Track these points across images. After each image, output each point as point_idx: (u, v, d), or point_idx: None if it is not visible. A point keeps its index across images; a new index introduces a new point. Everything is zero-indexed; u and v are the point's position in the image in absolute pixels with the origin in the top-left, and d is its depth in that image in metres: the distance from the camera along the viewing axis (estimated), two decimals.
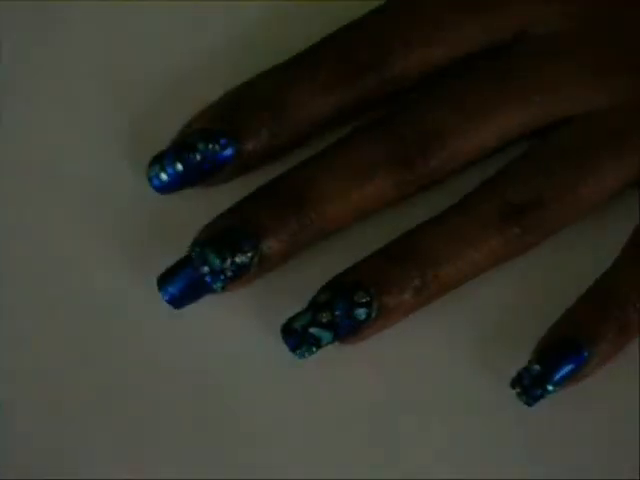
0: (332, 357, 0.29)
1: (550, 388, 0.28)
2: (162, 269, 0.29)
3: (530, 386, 0.28)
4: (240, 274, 0.28)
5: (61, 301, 0.30)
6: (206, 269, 0.28)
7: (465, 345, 0.30)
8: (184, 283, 0.28)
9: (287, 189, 0.29)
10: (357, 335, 0.28)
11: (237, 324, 0.30)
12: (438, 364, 0.30)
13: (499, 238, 0.29)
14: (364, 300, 0.28)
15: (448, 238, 0.29)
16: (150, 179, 0.28)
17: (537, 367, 0.28)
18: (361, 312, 0.28)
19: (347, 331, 0.28)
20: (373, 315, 0.28)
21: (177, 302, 0.28)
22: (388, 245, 0.29)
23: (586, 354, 0.28)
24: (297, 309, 0.29)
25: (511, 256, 0.29)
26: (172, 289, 0.28)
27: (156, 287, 0.28)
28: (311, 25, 0.30)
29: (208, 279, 0.28)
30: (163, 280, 0.28)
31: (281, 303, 0.29)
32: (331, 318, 0.28)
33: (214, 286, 0.28)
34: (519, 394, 0.29)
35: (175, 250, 0.29)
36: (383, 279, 0.28)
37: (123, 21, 0.31)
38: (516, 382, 0.29)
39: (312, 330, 0.28)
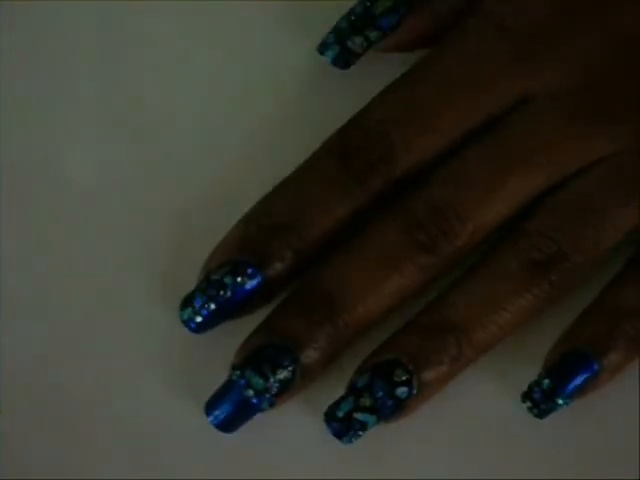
0: None
1: (560, 402, 0.29)
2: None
3: (541, 400, 0.29)
4: (285, 388, 0.28)
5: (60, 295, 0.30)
6: (251, 392, 0.28)
7: None
8: (231, 407, 0.28)
9: (315, 295, 0.28)
10: (401, 413, 0.28)
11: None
12: None
13: (528, 296, 0.29)
14: (404, 378, 0.28)
15: (478, 304, 0.29)
16: (185, 322, 0.28)
17: (547, 381, 0.29)
18: (403, 391, 0.28)
19: (390, 411, 0.28)
20: (414, 392, 0.28)
21: (227, 426, 0.28)
22: (419, 316, 0.29)
23: (596, 367, 0.28)
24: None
25: (541, 310, 0.29)
26: (220, 414, 0.28)
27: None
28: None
29: (255, 401, 0.28)
30: (210, 407, 0.28)
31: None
32: (373, 401, 0.28)
33: (262, 406, 0.28)
34: (530, 408, 0.29)
35: None
36: (420, 354, 0.28)
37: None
38: (527, 396, 0.29)
39: (356, 415, 0.28)
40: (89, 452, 0.30)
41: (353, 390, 0.28)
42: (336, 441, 0.28)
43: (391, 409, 0.28)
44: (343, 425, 0.28)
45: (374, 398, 0.28)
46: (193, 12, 0.32)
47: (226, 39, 0.32)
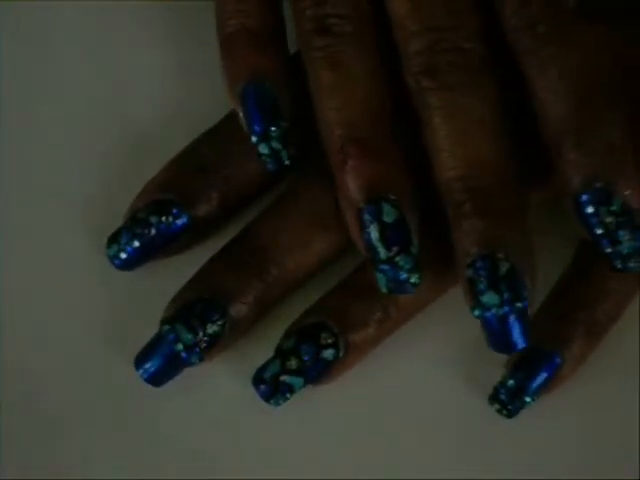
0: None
1: (528, 400, 0.29)
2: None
3: (508, 401, 0.29)
4: (214, 343, 0.28)
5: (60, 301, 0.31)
6: (180, 346, 0.28)
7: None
8: (161, 361, 0.28)
9: (246, 250, 0.29)
10: (328, 376, 0.29)
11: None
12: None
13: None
14: (330, 341, 0.28)
15: None
16: (111, 259, 0.29)
17: (512, 381, 0.29)
18: (328, 353, 0.28)
19: (317, 374, 0.29)
20: (341, 354, 0.28)
21: (156, 380, 0.29)
22: (345, 280, 0.30)
23: (558, 360, 0.29)
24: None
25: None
26: (150, 368, 0.29)
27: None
28: None
29: (184, 355, 0.28)
30: (140, 360, 0.29)
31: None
32: (300, 364, 0.28)
33: (191, 360, 0.28)
34: (499, 410, 0.29)
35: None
36: (345, 316, 0.29)
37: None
38: (494, 398, 0.29)
39: (283, 378, 0.28)
40: None
41: (280, 353, 0.29)
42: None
43: (318, 371, 0.29)
44: (270, 387, 0.28)
45: (300, 360, 0.28)
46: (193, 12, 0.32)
47: None
